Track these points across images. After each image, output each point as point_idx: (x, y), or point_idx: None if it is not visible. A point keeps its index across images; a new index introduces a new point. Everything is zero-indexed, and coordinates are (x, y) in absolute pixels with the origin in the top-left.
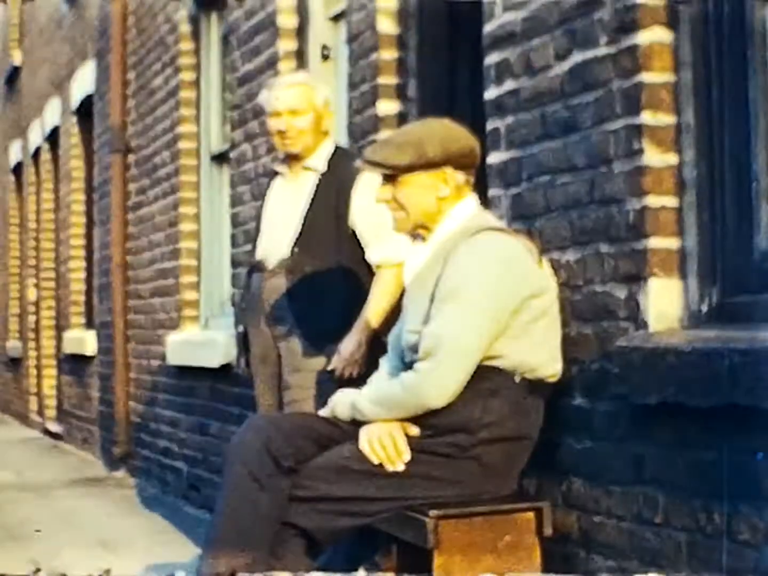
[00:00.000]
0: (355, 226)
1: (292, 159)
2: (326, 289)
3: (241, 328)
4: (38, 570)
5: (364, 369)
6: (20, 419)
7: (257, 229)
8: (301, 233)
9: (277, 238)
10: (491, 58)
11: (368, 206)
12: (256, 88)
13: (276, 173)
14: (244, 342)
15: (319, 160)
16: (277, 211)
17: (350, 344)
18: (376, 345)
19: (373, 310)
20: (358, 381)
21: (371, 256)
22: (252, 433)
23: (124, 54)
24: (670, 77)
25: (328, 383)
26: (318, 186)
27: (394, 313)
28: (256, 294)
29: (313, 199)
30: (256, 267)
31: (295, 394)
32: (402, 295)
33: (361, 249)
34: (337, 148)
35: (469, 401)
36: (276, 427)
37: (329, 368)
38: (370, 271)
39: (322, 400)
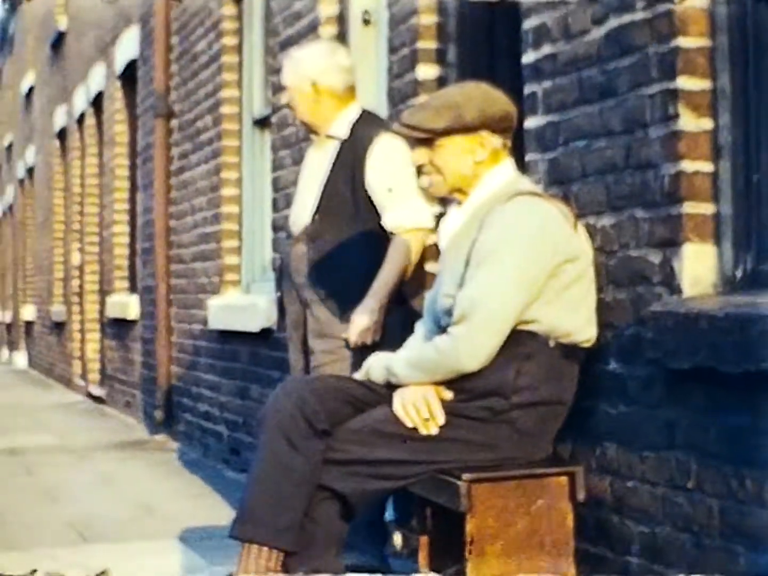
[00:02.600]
0: (371, 192)
1: (312, 128)
2: (346, 255)
3: (279, 293)
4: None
5: (378, 336)
6: (64, 383)
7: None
8: (321, 200)
9: (303, 206)
10: (529, 23)
11: (383, 171)
12: None
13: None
14: (280, 307)
15: (341, 127)
16: (305, 179)
17: (362, 312)
18: (406, 311)
19: (386, 277)
20: (373, 348)
21: (386, 221)
22: (286, 396)
23: (168, 19)
24: (706, 42)
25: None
26: (339, 153)
27: (411, 279)
28: (286, 260)
29: (333, 166)
30: (289, 234)
31: (320, 359)
32: (423, 260)
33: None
34: (363, 113)
35: (504, 365)
36: (310, 390)
37: (343, 336)
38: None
39: (345, 365)
